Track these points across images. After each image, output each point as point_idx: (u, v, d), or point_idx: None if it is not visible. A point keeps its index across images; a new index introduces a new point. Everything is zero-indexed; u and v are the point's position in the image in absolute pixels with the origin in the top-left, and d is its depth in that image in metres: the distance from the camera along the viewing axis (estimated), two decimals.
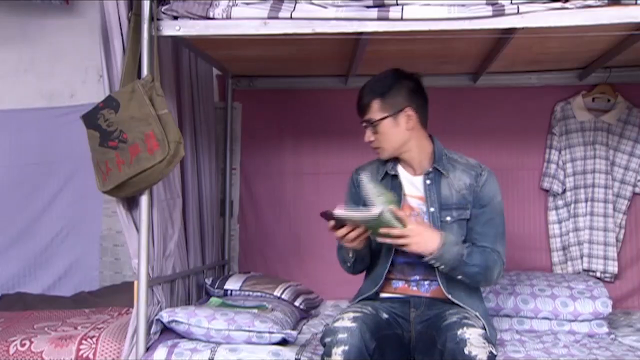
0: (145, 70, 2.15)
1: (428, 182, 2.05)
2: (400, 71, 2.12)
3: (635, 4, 1.91)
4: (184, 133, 2.64)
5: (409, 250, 1.91)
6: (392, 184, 2.08)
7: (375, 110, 2.06)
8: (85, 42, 3.20)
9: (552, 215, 2.96)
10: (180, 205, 2.50)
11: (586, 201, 2.89)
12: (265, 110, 3.21)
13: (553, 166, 2.92)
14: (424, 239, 1.89)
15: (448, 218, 2.02)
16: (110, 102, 2.11)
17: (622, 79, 2.86)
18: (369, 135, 2.09)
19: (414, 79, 2.11)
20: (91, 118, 2.13)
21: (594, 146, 2.89)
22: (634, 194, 2.89)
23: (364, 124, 2.10)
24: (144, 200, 2.15)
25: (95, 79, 3.24)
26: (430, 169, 2.06)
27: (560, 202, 2.94)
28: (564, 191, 2.92)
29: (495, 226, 2.03)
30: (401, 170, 2.10)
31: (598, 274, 2.86)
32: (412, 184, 2.08)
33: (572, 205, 2.92)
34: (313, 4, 2.06)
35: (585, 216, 2.89)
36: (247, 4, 2.15)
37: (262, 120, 3.21)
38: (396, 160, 2.11)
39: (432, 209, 2.03)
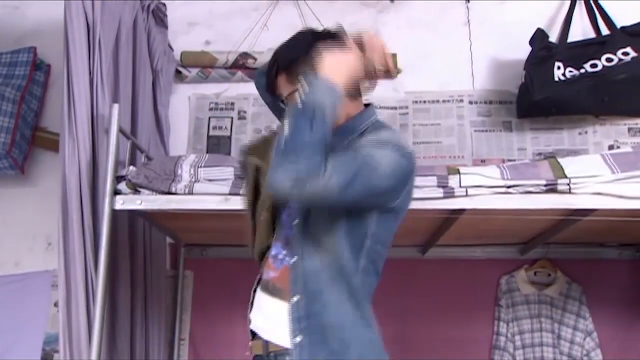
0: (103, 243, 2.17)
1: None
2: (308, 33, 1.75)
3: (569, 192, 2.10)
4: (135, 305, 2.60)
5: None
6: None
7: (283, 85, 1.73)
8: (35, 210, 3.20)
9: None
10: None
11: None
12: (217, 279, 3.19)
13: (502, 339, 2.96)
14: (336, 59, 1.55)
15: None
16: None
17: (560, 255, 3.01)
18: None
19: (325, 36, 1.70)
20: None
21: (539, 319, 2.96)
22: None
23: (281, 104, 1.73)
24: None
25: (43, 247, 3.18)
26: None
27: None
28: None
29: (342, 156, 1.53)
30: None
31: None
32: None
33: None
34: None
35: None
36: (210, 180, 2.24)
37: (213, 289, 3.18)
38: None
39: None
